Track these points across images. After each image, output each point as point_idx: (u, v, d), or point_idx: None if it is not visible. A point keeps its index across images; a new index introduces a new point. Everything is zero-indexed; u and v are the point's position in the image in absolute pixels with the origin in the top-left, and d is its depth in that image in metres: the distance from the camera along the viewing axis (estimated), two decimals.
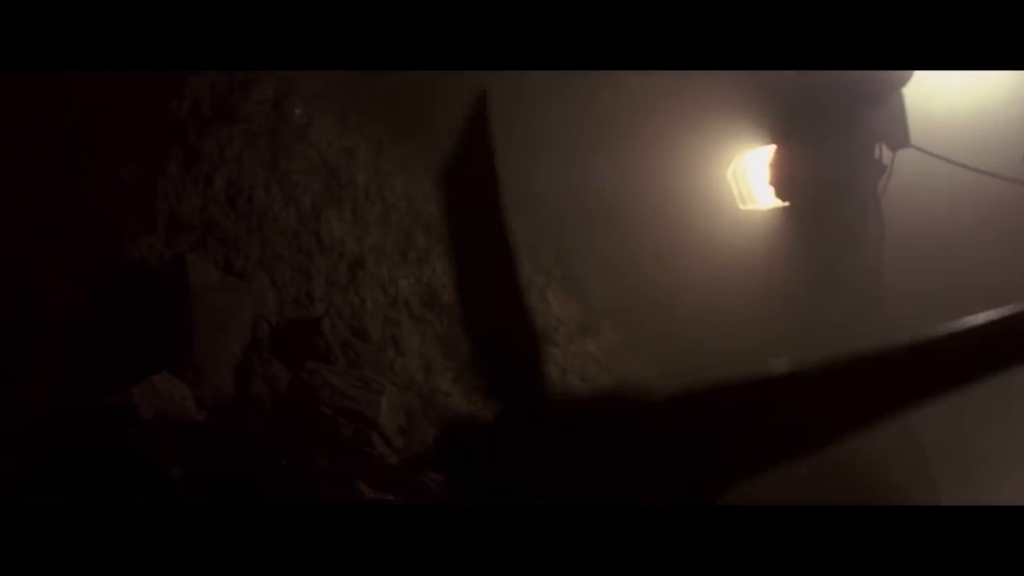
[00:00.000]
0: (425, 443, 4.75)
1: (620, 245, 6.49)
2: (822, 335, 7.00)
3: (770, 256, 6.61)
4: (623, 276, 6.53)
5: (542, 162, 5.99)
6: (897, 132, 6.89)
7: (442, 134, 5.74)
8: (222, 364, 4.37)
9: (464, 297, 2.60)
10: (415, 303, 5.56)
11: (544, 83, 5.72)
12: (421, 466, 3.96)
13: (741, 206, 6.59)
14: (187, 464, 2.85)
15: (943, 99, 9.02)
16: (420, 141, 5.70)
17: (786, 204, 6.49)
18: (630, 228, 6.45)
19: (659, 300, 6.55)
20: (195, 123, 4.75)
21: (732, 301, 6.55)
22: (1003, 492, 9.03)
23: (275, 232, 5.02)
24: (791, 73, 6.47)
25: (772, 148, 6.45)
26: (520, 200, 6.00)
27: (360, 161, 5.46)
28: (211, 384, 4.21)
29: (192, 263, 4.44)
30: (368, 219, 5.45)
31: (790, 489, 5.78)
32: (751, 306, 6.57)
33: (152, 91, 4.63)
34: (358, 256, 5.36)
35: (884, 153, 7.02)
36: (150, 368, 3.83)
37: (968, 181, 7.13)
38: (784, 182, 6.44)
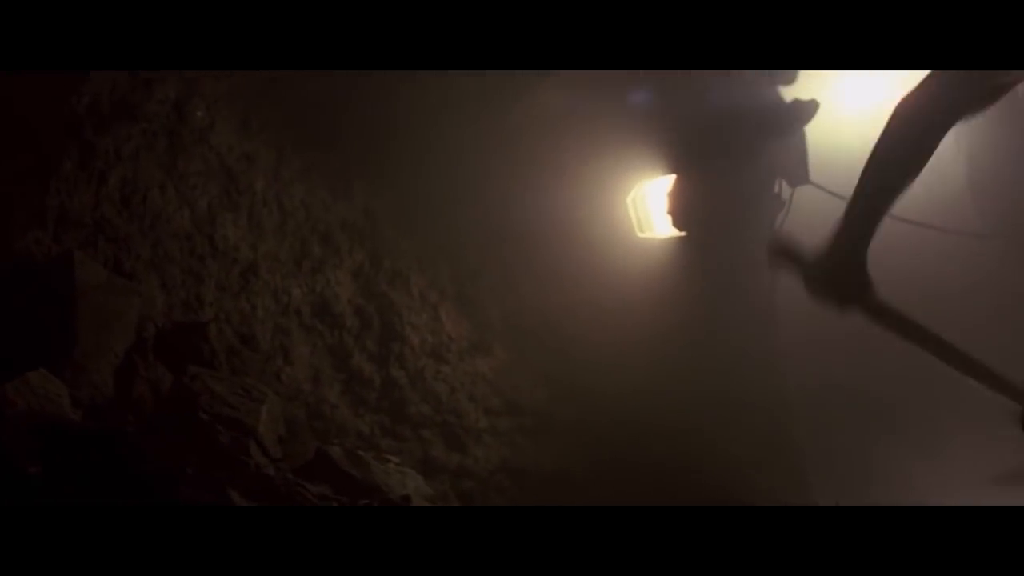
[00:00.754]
0: (306, 454, 4.84)
1: (517, 266, 6.64)
2: (713, 360, 7.25)
3: (665, 283, 6.82)
4: (518, 297, 6.67)
5: (443, 178, 6.12)
6: (797, 168, 7.15)
7: (345, 145, 5.86)
8: (104, 364, 4.41)
9: None
10: (307, 312, 5.64)
11: (449, 100, 5.86)
12: None
13: (639, 233, 6.80)
14: (51, 463, 2.92)
15: (845, 137, 9.34)
16: (322, 151, 5.79)
17: (683, 234, 6.71)
18: (528, 250, 6.60)
19: (553, 322, 6.70)
20: (93, 120, 4.75)
21: (626, 325, 6.74)
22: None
23: (168, 234, 5.05)
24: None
25: (672, 178, 6.67)
26: (418, 215, 6.14)
27: (260, 167, 5.49)
28: (91, 384, 4.25)
29: (79, 260, 4.47)
30: (264, 226, 5.50)
31: (655, 489, 6.02)
32: (644, 330, 6.77)
33: (50, 85, 4.65)
34: (252, 262, 5.41)
35: (784, 188, 7.25)
36: (28, 365, 3.87)
37: None
38: (682, 212, 6.67)
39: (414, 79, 5.55)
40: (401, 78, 5.50)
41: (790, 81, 7.16)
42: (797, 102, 7.03)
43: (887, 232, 7.82)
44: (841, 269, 2.91)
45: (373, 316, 5.97)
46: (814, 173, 7.25)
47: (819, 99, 7.06)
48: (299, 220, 5.69)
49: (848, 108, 9.65)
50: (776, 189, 7.33)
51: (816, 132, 7.33)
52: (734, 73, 6.88)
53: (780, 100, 7.12)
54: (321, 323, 5.72)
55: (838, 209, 7.41)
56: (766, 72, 6.99)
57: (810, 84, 7.38)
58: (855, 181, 7.69)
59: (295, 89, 5.44)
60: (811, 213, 7.40)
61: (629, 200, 6.81)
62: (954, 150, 9.63)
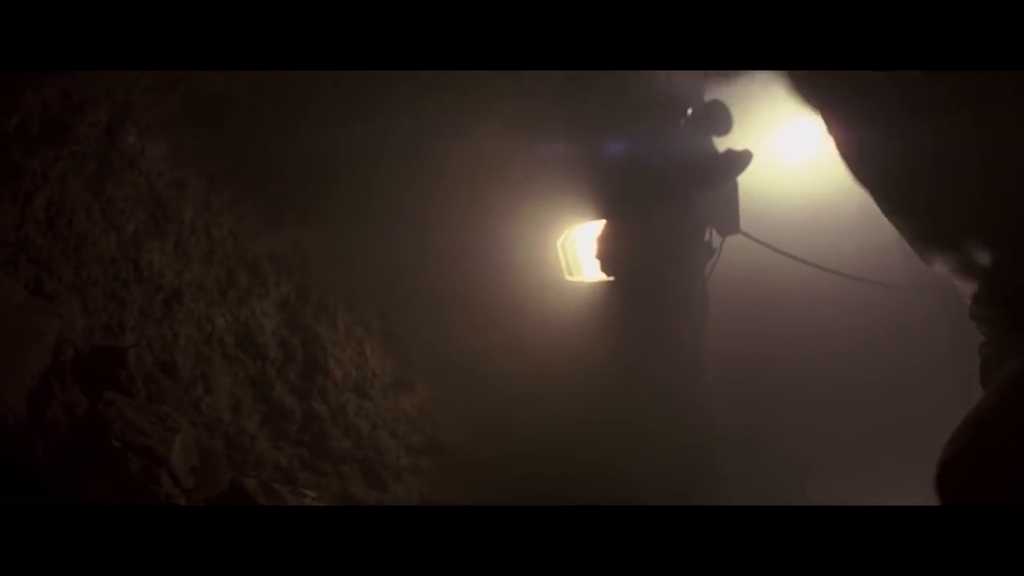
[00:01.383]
0: (221, 485, 4.88)
1: (445, 305, 6.73)
2: (640, 399, 7.39)
3: (592, 326, 6.95)
4: (446, 335, 6.76)
5: (376, 215, 6.21)
6: (728, 218, 7.29)
7: (278, 176, 5.91)
8: (18, 385, 4.43)
9: None
10: (230, 342, 5.68)
11: (386, 137, 5.96)
12: None
13: (568, 277, 6.93)
14: None
15: (778, 189, 9.58)
16: (254, 181, 5.84)
17: (611, 278, 6.84)
18: (457, 289, 6.70)
19: (480, 361, 6.80)
20: (21, 140, 4.76)
21: (552, 364, 6.86)
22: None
23: (92, 257, 5.07)
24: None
25: (602, 223, 6.80)
26: (349, 250, 6.22)
27: (189, 195, 5.53)
28: (3, 404, 4.27)
29: None
30: (191, 254, 5.53)
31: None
32: (571, 370, 6.89)
33: None
34: (176, 289, 5.44)
35: (714, 237, 7.40)
36: None
37: (793, 269, 7.61)
38: (610, 257, 6.80)
39: (351, 113, 5.64)
40: (338, 112, 5.60)
41: (725, 131, 7.32)
42: (731, 152, 7.17)
43: (821, 284, 7.98)
44: None
45: (297, 348, 6.02)
46: (745, 223, 7.40)
47: (753, 151, 7.20)
48: (227, 249, 5.73)
49: (782, 160, 9.90)
50: (707, 237, 7.48)
51: (749, 182, 7.48)
52: (668, 122, 7.06)
53: (714, 150, 7.27)
54: (244, 353, 5.75)
55: (768, 258, 7.58)
56: (701, 123, 7.16)
57: (745, 135, 7.56)
58: (786, 232, 7.88)
59: (230, 118, 5.50)
60: (741, 262, 7.59)
61: (559, 244, 6.94)
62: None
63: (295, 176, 5.92)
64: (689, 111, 7.25)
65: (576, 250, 6.93)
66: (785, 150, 9.91)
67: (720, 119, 7.24)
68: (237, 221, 5.79)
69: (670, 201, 7.07)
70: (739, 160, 7.16)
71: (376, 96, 5.84)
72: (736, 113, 7.32)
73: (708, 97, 7.59)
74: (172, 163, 5.45)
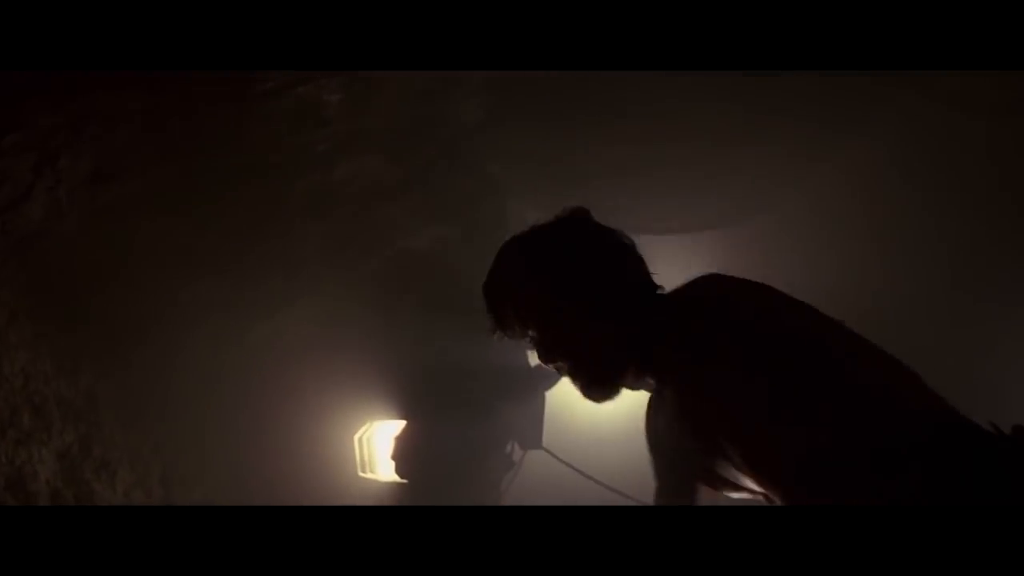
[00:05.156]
0: None
1: (230, 482, 6.95)
2: None
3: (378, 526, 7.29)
4: None
5: (176, 380, 6.50)
6: (532, 432, 7.77)
7: (83, 323, 6.15)
8: None
9: None
10: None
11: (195, 306, 6.34)
12: None
13: (360, 473, 7.28)
14: None
15: (584, 408, 10.24)
16: (57, 324, 6.09)
17: (404, 481, 7.24)
18: (245, 469, 6.95)
19: None
20: None
21: None
22: None
23: None
24: None
25: (402, 423, 7.24)
26: (141, 410, 6.46)
27: None
28: None
29: None
30: None
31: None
32: None
33: None
34: None
35: (515, 450, 7.87)
36: None
37: (593, 490, 8.18)
38: (404, 458, 7.21)
39: (162, 277, 6.01)
40: (151, 273, 5.97)
41: None
42: (541, 367, 7.73)
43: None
44: None
45: (69, 503, 6.07)
46: (547, 439, 7.91)
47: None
48: (15, 387, 5.85)
49: None
50: (508, 449, 7.94)
51: (558, 399, 8.03)
52: (481, 331, 7.67)
53: (524, 363, 7.81)
54: (13, 498, 5.76)
55: (566, 475, 8.13)
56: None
57: None
58: (586, 450, 8.43)
59: (44, 255, 5.77)
60: (540, 477, 8.10)
61: (357, 437, 7.30)
62: None
63: (103, 326, 6.20)
64: None
65: (373, 447, 7.28)
66: None
67: None
68: (32, 360, 5.94)
69: (474, 410, 7.53)
70: (549, 376, 7.71)
71: (188, 266, 6.25)
72: None
73: None
74: None
